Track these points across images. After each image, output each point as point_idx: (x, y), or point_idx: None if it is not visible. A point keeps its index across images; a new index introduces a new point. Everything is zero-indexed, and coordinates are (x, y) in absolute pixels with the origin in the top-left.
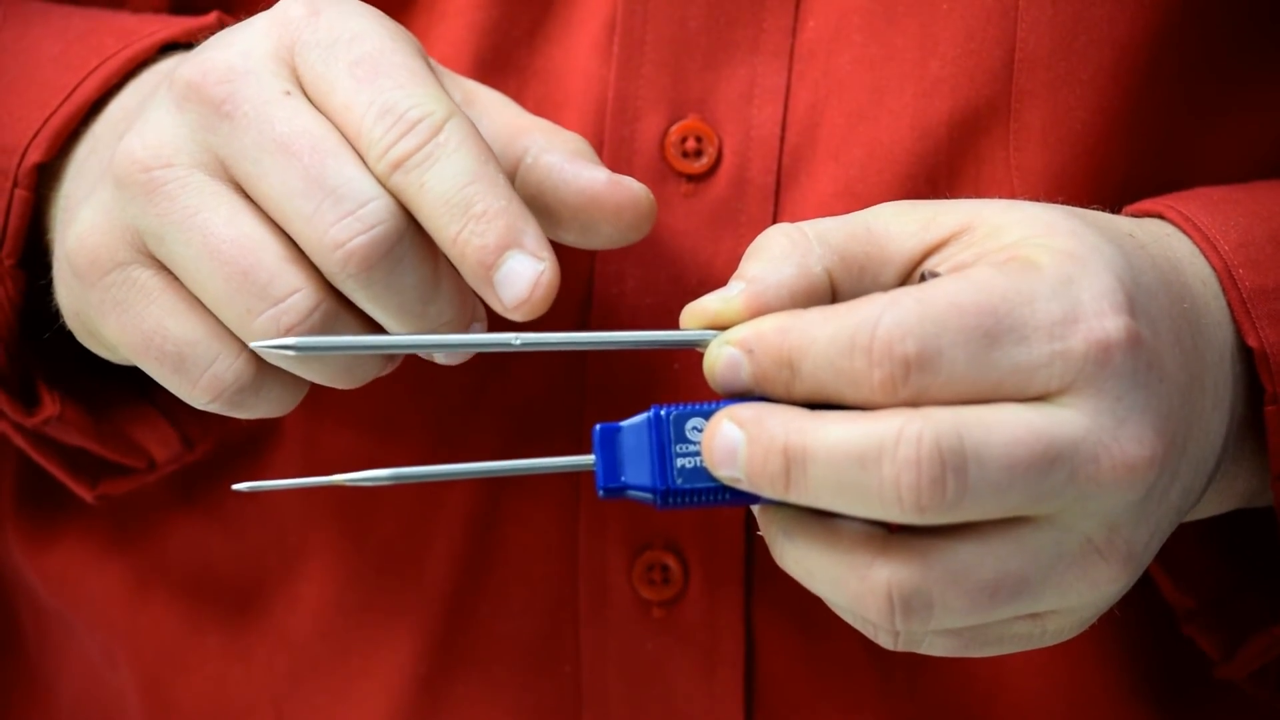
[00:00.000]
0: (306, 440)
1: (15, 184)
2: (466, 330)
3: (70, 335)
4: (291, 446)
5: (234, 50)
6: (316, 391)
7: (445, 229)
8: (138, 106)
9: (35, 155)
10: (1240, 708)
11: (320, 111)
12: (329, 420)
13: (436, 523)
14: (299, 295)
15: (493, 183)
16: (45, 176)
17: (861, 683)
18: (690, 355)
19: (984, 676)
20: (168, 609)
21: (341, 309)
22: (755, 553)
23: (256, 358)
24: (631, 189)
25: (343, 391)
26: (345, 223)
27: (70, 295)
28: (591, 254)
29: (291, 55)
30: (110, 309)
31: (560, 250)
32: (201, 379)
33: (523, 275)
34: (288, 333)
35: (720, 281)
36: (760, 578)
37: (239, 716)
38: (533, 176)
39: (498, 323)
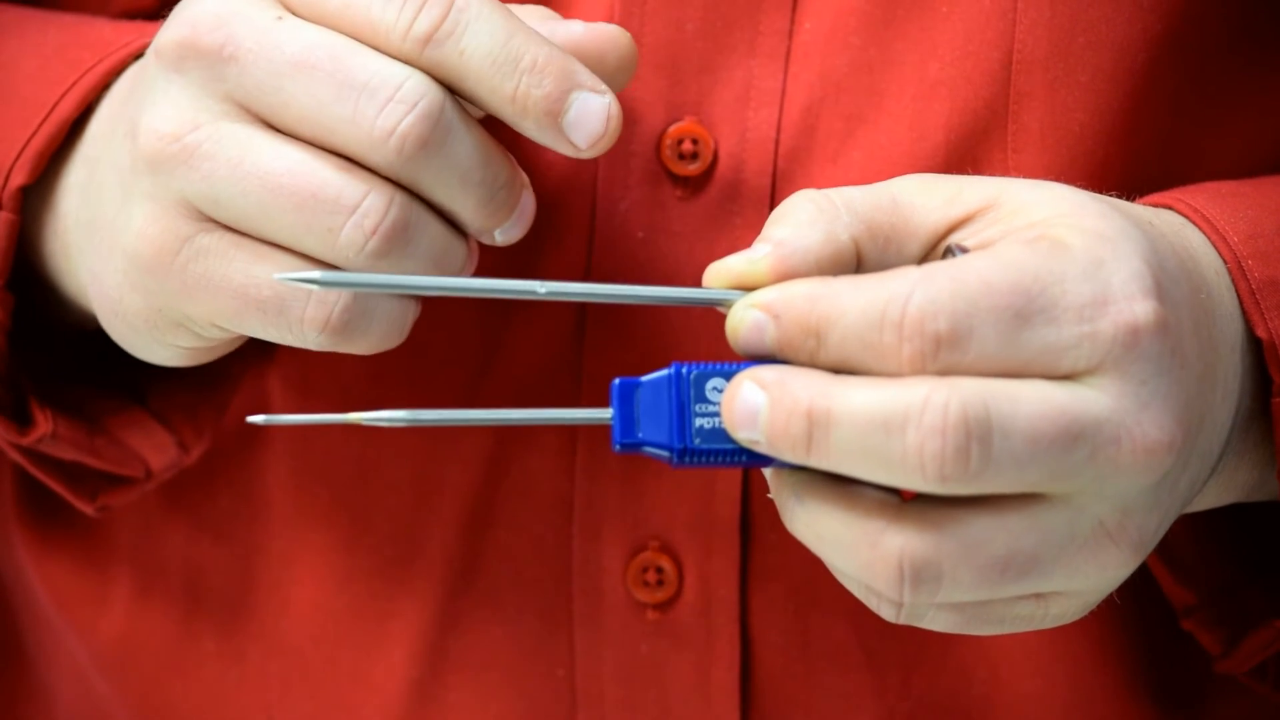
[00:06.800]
0: (299, 436)
1: (0, 207)
2: (522, 193)
3: (59, 346)
4: (283, 444)
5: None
6: (308, 380)
7: (500, 88)
8: (124, 104)
9: (19, 178)
10: (1238, 704)
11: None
12: (320, 408)
13: (429, 526)
14: (372, 195)
15: (529, 33)
16: (28, 199)
17: (857, 684)
18: (689, 331)
19: (980, 677)
20: (164, 615)
21: (412, 200)
22: (750, 554)
23: None
24: (608, 31)
25: (334, 380)
26: (389, 109)
27: (147, 295)
28: (587, 257)
29: None
30: (194, 284)
31: (555, 255)
32: (306, 312)
33: (593, 111)
34: (374, 234)
35: None
36: (755, 579)
37: None
38: None
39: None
